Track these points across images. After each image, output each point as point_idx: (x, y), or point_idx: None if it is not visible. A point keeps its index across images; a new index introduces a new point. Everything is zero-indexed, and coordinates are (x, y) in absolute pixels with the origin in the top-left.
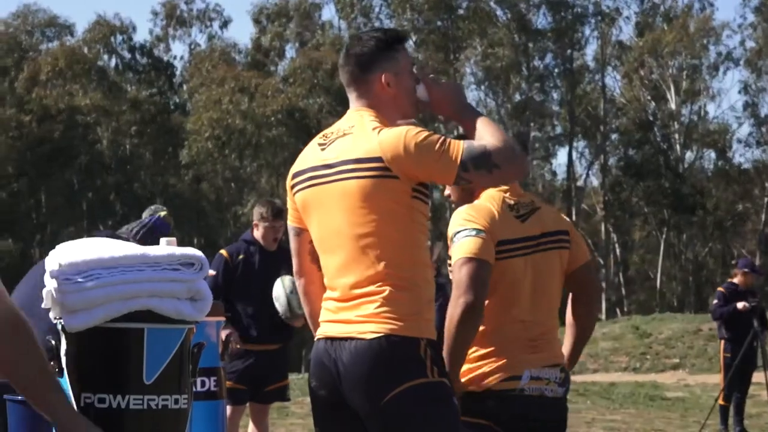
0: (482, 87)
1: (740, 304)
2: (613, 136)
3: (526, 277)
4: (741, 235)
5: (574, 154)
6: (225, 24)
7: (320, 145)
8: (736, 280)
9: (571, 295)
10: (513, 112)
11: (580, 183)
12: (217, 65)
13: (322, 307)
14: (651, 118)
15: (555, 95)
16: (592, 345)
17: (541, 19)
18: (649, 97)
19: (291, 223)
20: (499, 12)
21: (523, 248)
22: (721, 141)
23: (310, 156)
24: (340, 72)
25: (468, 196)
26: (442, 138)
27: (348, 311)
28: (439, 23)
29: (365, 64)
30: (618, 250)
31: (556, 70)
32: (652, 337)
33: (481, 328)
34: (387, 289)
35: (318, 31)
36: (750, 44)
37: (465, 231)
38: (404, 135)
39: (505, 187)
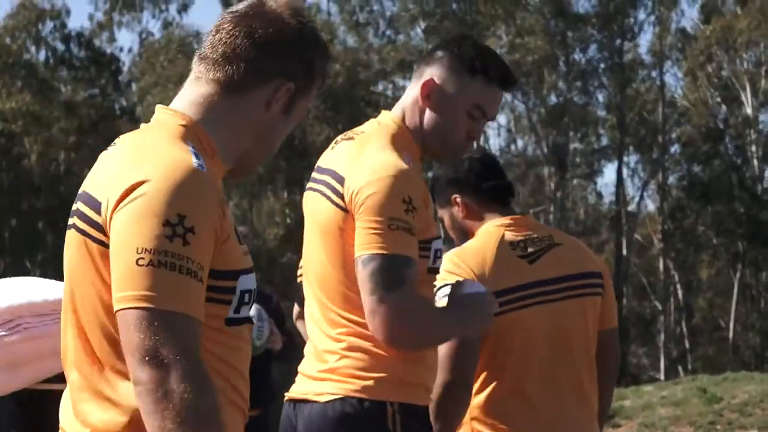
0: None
1: None
2: (674, 149)
3: (537, 337)
4: None
5: (625, 171)
6: (185, 7)
7: None
8: None
9: None
10: (548, 118)
11: (632, 207)
12: (174, 59)
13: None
14: (721, 126)
15: (600, 97)
16: (648, 412)
17: (584, 2)
18: (718, 100)
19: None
20: None
21: (529, 297)
22: None
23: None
24: None
25: (461, 234)
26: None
27: (311, 363)
28: (454, 6)
29: None
30: (680, 292)
31: (602, 66)
32: (724, 402)
33: (477, 400)
34: (349, 339)
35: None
36: None
37: (444, 288)
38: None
39: (508, 220)
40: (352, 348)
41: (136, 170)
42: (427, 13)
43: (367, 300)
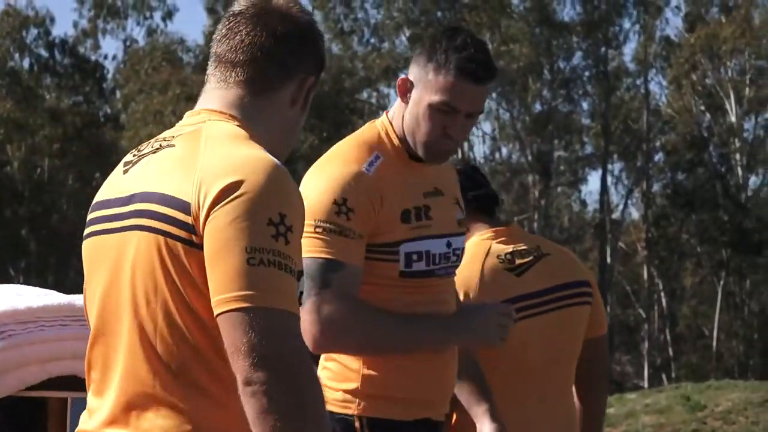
0: (494, 94)
1: None
2: (658, 157)
3: (527, 351)
4: None
5: (609, 179)
6: (169, 14)
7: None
8: None
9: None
10: (532, 126)
11: (616, 215)
12: (158, 67)
13: None
14: (705, 134)
15: (585, 105)
16: (632, 420)
17: (568, 10)
18: (703, 108)
19: None
20: (515, 0)
21: (518, 311)
22: None
23: None
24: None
25: None
26: None
27: None
28: (439, 14)
29: None
30: (664, 300)
31: (587, 74)
32: (707, 410)
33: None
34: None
35: None
36: None
37: None
38: None
39: (492, 232)
40: (327, 359)
41: (230, 169)
42: (411, 21)
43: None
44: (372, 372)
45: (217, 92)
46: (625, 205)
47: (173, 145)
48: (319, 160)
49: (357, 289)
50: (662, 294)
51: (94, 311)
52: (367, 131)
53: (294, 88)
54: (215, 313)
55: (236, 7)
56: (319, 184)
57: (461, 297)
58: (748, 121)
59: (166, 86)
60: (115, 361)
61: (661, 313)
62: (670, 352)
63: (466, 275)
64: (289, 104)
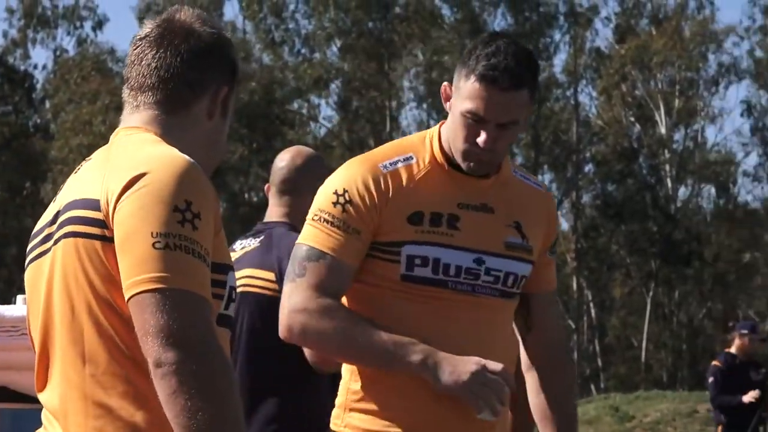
0: (424, 105)
1: (747, 397)
2: (588, 168)
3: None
4: (747, 292)
5: None
6: (99, 24)
7: None
8: (734, 349)
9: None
10: None
11: None
12: (88, 76)
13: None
14: (635, 145)
15: None
16: None
17: (499, 21)
18: (632, 119)
19: None
20: (445, 11)
21: None
22: (723, 174)
23: None
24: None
25: None
26: None
27: None
28: (370, 24)
29: None
30: (593, 311)
31: None
32: (636, 421)
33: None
34: None
35: None
36: (759, 54)
37: None
38: None
39: None
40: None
41: (134, 165)
42: (342, 31)
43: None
44: (359, 387)
45: (132, 117)
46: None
47: (90, 159)
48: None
49: (337, 282)
50: (591, 305)
51: (36, 330)
52: (415, 136)
53: (208, 102)
54: (126, 299)
55: (142, 31)
56: (332, 176)
57: None
58: (677, 132)
59: (96, 96)
60: (54, 371)
61: (590, 324)
62: (599, 363)
63: None
64: (206, 118)
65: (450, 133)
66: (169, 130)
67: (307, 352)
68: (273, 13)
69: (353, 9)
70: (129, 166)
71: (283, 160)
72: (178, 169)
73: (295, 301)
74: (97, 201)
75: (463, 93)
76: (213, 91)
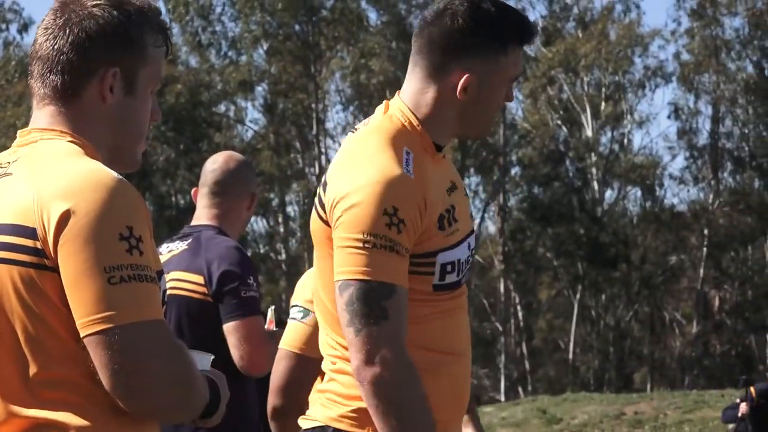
0: (351, 108)
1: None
2: (515, 171)
3: None
4: (674, 295)
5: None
6: (25, 27)
7: None
8: None
9: None
10: None
11: None
12: (13, 79)
13: None
14: (562, 148)
15: None
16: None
17: None
18: (559, 122)
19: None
20: (372, 14)
21: None
22: (649, 177)
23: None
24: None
25: None
26: None
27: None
28: (297, 27)
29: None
30: (520, 314)
31: None
32: (563, 423)
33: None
34: (338, 362)
35: None
36: (685, 57)
37: (295, 308)
38: None
39: None
40: (339, 371)
41: (65, 191)
42: (269, 34)
43: (345, 333)
44: None
45: (39, 111)
46: (482, 219)
47: (11, 174)
48: (349, 155)
49: (407, 317)
50: (519, 307)
51: None
52: (387, 122)
53: (96, 86)
54: (81, 336)
55: (42, 22)
56: (364, 189)
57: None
58: (603, 135)
59: (21, 99)
60: None
61: (517, 327)
62: (527, 366)
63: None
64: (102, 101)
65: (483, 112)
66: (75, 124)
67: (235, 355)
68: (199, 16)
69: (280, 12)
70: (62, 193)
71: (216, 162)
72: (112, 194)
73: (386, 361)
74: (33, 229)
75: (509, 62)
76: (100, 74)
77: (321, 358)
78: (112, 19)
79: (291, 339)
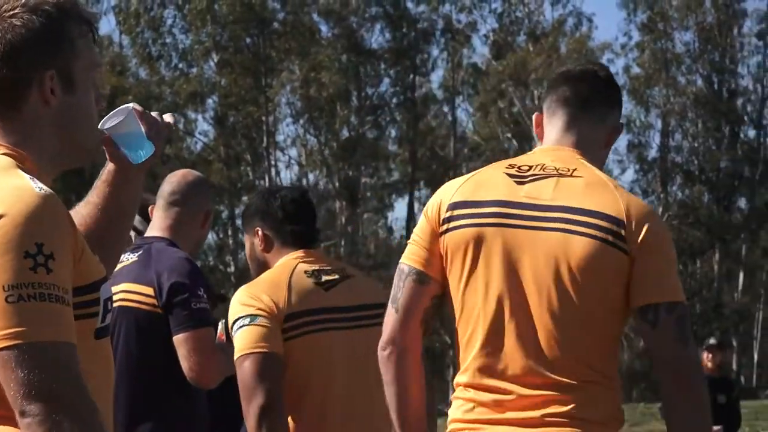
0: (301, 121)
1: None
2: None
3: (335, 361)
4: None
5: (416, 206)
6: None
7: (512, 176)
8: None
9: None
10: (340, 153)
11: None
12: None
13: (462, 399)
14: None
15: (393, 131)
16: None
17: (377, 37)
18: (509, 135)
19: (414, 264)
20: (323, 27)
21: (327, 321)
22: None
23: (495, 187)
24: (571, 86)
25: (257, 265)
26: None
27: (527, 409)
28: (248, 40)
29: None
30: None
31: (395, 100)
32: None
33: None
34: (592, 385)
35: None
36: (635, 70)
37: (239, 320)
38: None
39: (302, 253)
40: (595, 395)
41: None
42: (220, 46)
43: None
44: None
45: None
46: None
47: None
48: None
49: None
50: None
51: None
52: None
53: (36, 91)
54: None
55: None
56: None
57: (268, 304)
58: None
59: None
60: None
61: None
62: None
63: (275, 287)
64: (44, 105)
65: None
66: (15, 137)
67: (185, 366)
68: (150, 28)
69: (231, 24)
70: None
71: (174, 176)
72: (26, 210)
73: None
74: None
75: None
76: (38, 80)
77: (278, 350)
78: (34, 24)
79: (256, 339)
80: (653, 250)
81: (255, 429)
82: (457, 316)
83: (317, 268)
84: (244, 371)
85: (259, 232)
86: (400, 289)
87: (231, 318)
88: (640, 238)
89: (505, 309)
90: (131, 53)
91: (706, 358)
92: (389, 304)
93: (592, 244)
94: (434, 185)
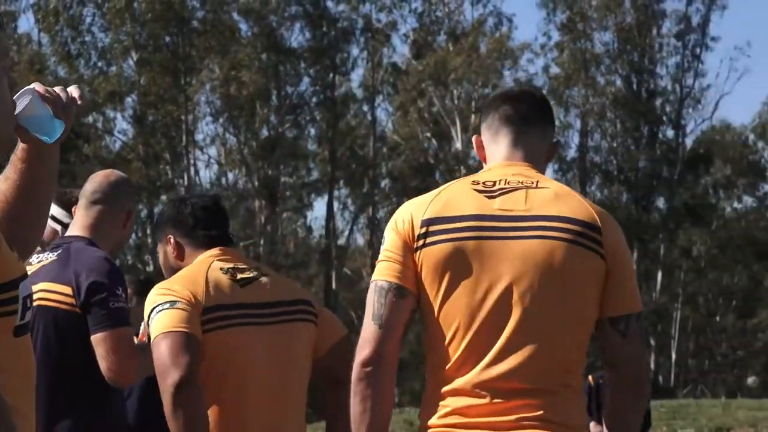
0: (221, 120)
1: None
2: (384, 183)
3: (255, 355)
4: None
5: (335, 205)
6: None
7: (481, 192)
8: None
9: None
10: (259, 152)
11: (341, 241)
12: None
13: (437, 405)
14: (432, 161)
15: (312, 130)
16: None
17: (297, 36)
18: (429, 135)
19: (393, 280)
20: (243, 26)
21: (244, 316)
22: None
23: (467, 202)
24: (512, 106)
25: (172, 273)
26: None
27: (503, 414)
28: (167, 39)
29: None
30: None
31: (314, 100)
32: None
33: None
34: (568, 390)
35: (13, 46)
36: (555, 70)
37: (158, 306)
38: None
39: (217, 251)
40: (569, 400)
41: None
42: (139, 45)
43: None
44: None
45: None
46: (351, 231)
47: None
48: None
49: None
50: None
51: None
52: None
53: None
54: None
55: None
56: None
57: (188, 295)
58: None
59: None
60: None
61: None
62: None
63: (191, 282)
64: None
65: None
66: None
67: (103, 366)
68: (69, 26)
69: (150, 22)
70: None
71: (98, 176)
72: None
73: None
74: None
75: None
76: None
77: (197, 334)
78: None
79: (175, 321)
80: (624, 259)
81: (171, 404)
82: (433, 325)
83: (233, 265)
84: (161, 349)
85: (171, 240)
86: (382, 305)
87: (148, 307)
88: (612, 245)
89: (487, 317)
90: (50, 51)
91: None
92: (371, 321)
93: (573, 248)
94: (353, 184)
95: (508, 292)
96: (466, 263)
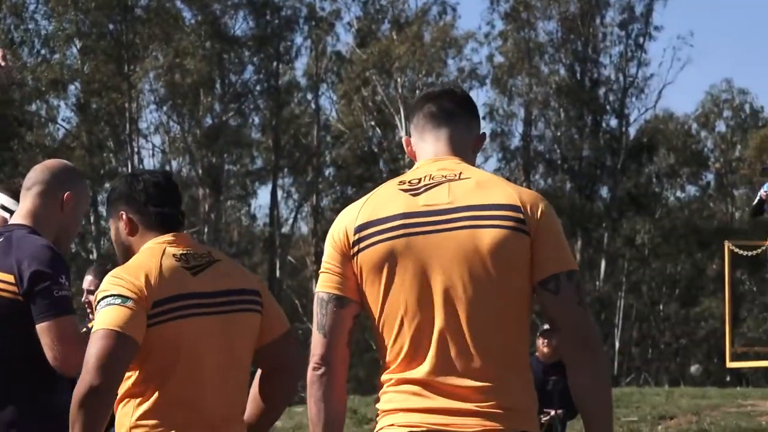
0: (164, 108)
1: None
2: (328, 171)
3: (204, 346)
4: None
5: (279, 194)
6: None
7: (407, 191)
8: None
9: (261, 372)
10: (203, 140)
11: (285, 229)
12: None
13: (390, 393)
14: (375, 149)
15: (256, 119)
16: None
17: (240, 24)
18: (373, 123)
19: (332, 291)
20: (187, 14)
21: (195, 306)
22: None
23: (393, 202)
24: (435, 103)
25: (123, 249)
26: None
27: (455, 400)
28: (111, 26)
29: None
30: None
31: (258, 88)
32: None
33: (141, 409)
34: (512, 374)
35: None
36: (499, 59)
37: (109, 297)
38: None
39: (170, 237)
40: (515, 387)
41: None
42: (83, 33)
43: None
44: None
45: None
46: (295, 219)
47: None
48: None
49: None
50: None
51: None
52: None
53: None
54: None
55: None
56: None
57: (138, 287)
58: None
59: None
60: None
61: None
62: None
63: (144, 272)
64: None
65: None
66: None
67: (49, 355)
68: (12, 13)
69: (93, 10)
70: None
71: (40, 165)
72: None
73: None
74: None
75: None
76: None
77: (138, 338)
78: None
79: (118, 320)
80: (548, 228)
81: (79, 403)
82: (379, 325)
83: (185, 252)
84: (95, 347)
85: (124, 216)
86: (324, 315)
87: (99, 294)
88: (536, 219)
89: (425, 312)
90: None
91: (542, 344)
92: (316, 331)
93: (501, 233)
94: (297, 173)
95: (440, 284)
96: (399, 262)
